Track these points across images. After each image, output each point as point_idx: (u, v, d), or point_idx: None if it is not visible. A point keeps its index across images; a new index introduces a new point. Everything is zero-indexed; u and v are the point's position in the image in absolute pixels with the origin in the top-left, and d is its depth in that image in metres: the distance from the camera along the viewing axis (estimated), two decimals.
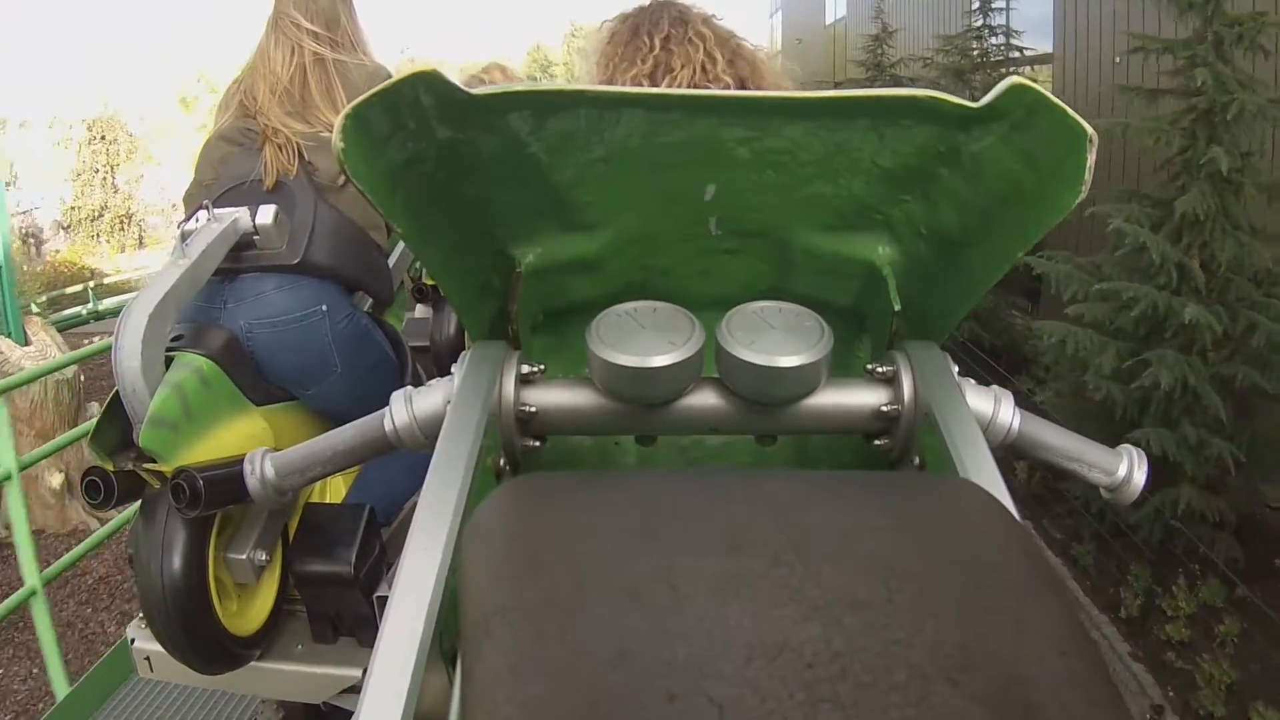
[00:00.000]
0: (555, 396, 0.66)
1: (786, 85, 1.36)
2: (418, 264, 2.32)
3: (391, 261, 2.13)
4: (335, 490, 1.84)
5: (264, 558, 1.57)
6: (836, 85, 10.68)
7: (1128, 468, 0.69)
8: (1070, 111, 0.56)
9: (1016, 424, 0.68)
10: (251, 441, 1.50)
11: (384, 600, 1.63)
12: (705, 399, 0.65)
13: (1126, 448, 0.71)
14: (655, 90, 0.62)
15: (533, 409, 0.66)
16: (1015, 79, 0.57)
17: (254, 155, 1.65)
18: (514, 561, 0.40)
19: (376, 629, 1.59)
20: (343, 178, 1.62)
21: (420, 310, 2.67)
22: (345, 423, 1.82)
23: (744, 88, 1.30)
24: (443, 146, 0.62)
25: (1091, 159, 0.56)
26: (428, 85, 0.57)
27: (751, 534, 0.41)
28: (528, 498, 0.46)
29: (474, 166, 0.64)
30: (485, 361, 0.66)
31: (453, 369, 0.67)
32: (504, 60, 3.04)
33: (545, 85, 0.65)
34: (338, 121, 0.54)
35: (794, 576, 0.38)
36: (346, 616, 1.65)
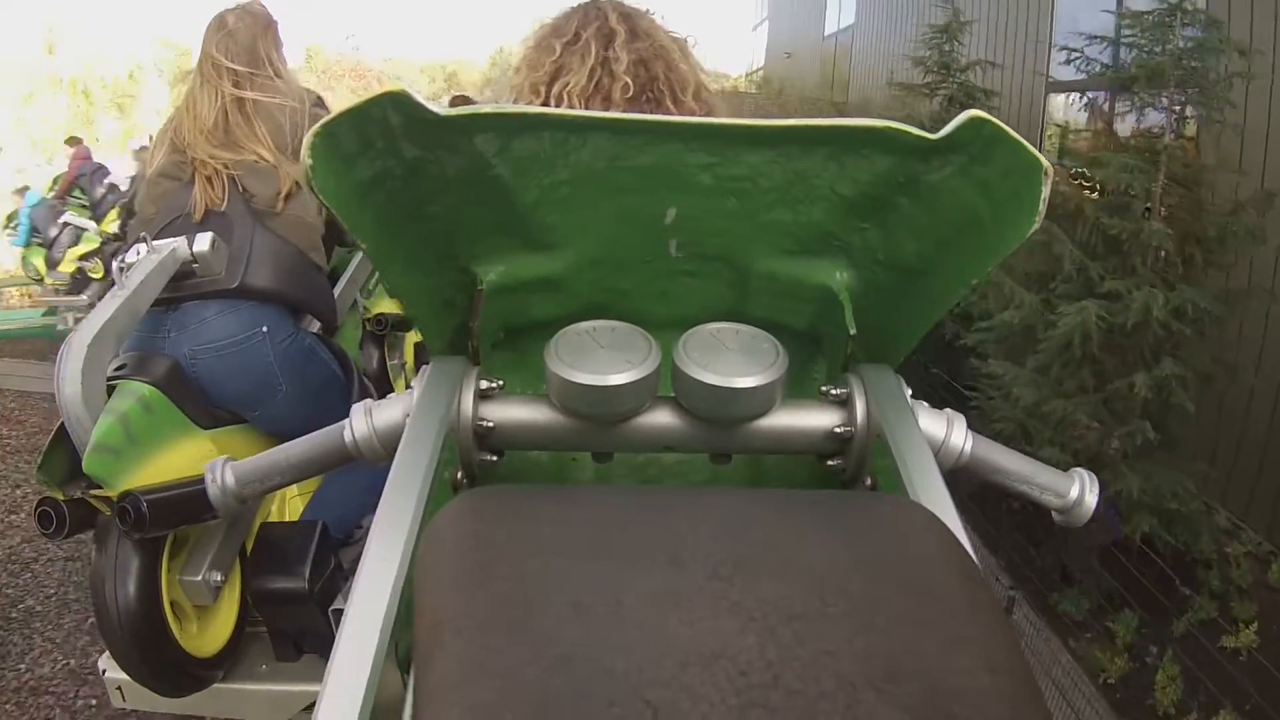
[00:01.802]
0: (513, 412, 0.67)
1: (704, 80, 1.37)
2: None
3: (340, 285, 2.16)
4: (293, 509, 1.86)
5: (219, 578, 1.59)
6: (838, 109, 9.34)
7: (1079, 490, 0.71)
8: (1026, 144, 0.57)
9: (969, 447, 0.69)
10: (198, 464, 1.50)
11: (339, 614, 1.64)
12: (661, 418, 0.66)
13: (1078, 470, 0.72)
14: (620, 115, 0.63)
15: (490, 424, 0.67)
16: (973, 111, 0.58)
17: (191, 188, 1.69)
18: (466, 572, 0.42)
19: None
20: (280, 202, 1.70)
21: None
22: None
23: (654, 85, 1.32)
24: (410, 165, 0.62)
25: (1046, 190, 0.57)
26: (396, 104, 0.57)
27: (694, 549, 0.42)
28: (482, 510, 0.47)
29: (440, 185, 0.65)
30: (445, 376, 0.67)
31: (413, 383, 0.68)
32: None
33: (511, 107, 0.66)
34: (306, 138, 0.55)
35: (732, 590, 0.39)
36: (308, 633, 1.68)
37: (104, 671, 1.65)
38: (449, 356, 0.72)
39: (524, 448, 0.71)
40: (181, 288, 1.60)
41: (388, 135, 0.59)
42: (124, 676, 1.53)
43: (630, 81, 1.29)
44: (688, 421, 0.66)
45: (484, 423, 0.66)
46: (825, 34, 13.15)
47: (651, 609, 0.38)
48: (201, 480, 1.57)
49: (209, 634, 1.62)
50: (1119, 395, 2.71)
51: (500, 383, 0.69)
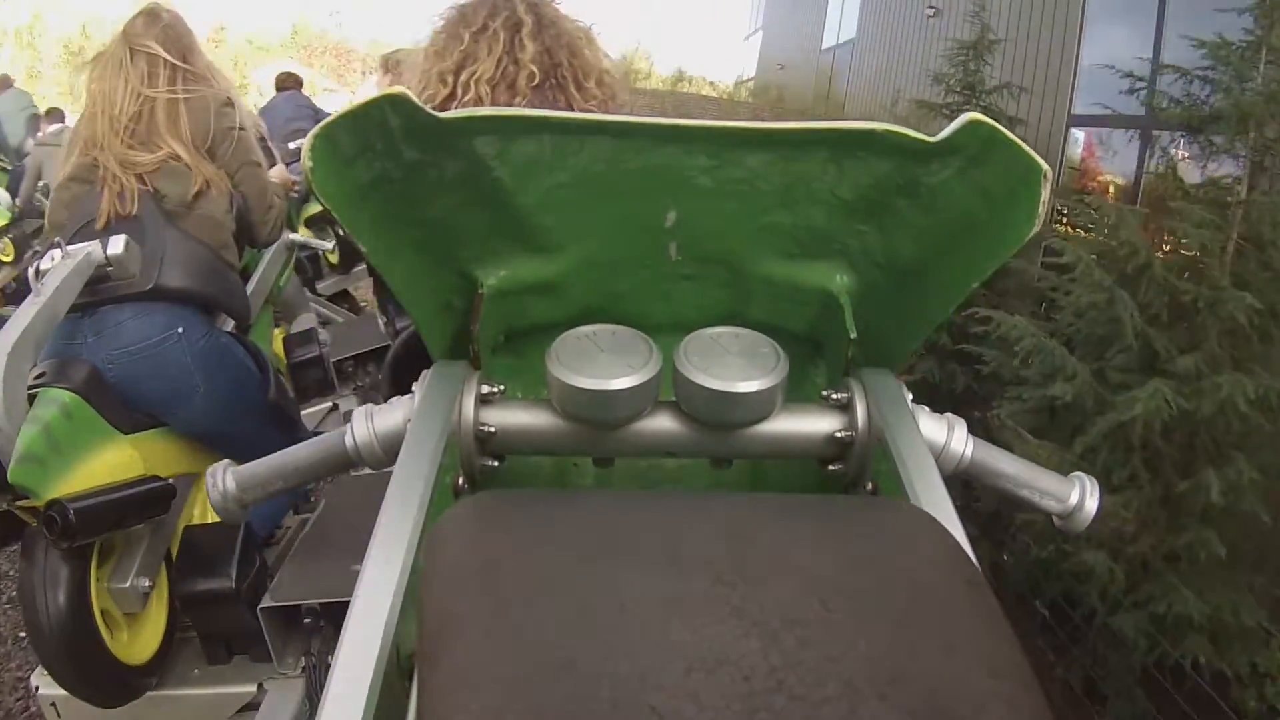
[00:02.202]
0: (514, 417, 0.67)
1: (607, 67, 1.43)
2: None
3: (252, 283, 2.18)
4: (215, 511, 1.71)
5: (147, 584, 1.60)
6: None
7: (1079, 495, 0.70)
8: (1025, 147, 0.57)
9: (969, 451, 0.69)
10: (121, 470, 1.56)
11: (267, 612, 1.63)
12: (662, 422, 0.66)
13: (1079, 475, 0.71)
14: (619, 118, 0.61)
15: (492, 429, 0.67)
16: (972, 114, 0.58)
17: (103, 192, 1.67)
18: (469, 577, 0.42)
19: (265, 643, 1.62)
20: (190, 199, 1.70)
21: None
22: (215, 443, 1.85)
23: (557, 72, 1.39)
24: (409, 167, 0.62)
25: (1046, 194, 0.57)
26: (395, 107, 0.57)
27: (696, 553, 0.43)
28: (484, 515, 0.48)
29: (439, 188, 0.65)
30: (446, 381, 0.67)
31: (414, 387, 0.68)
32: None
33: (511, 110, 0.64)
34: (306, 140, 0.55)
35: (735, 595, 0.40)
36: (237, 635, 1.69)
37: (36, 689, 1.62)
38: (450, 361, 0.72)
39: (525, 452, 0.70)
40: (97, 292, 1.59)
41: (387, 137, 0.59)
42: (59, 692, 1.53)
43: (535, 70, 1.36)
44: (689, 426, 0.66)
45: (485, 428, 0.66)
46: (823, 47, 12.71)
47: (654, 614, 0.38)
48: (128, 485, 1.57)
49: (140, 641, 1.62)
50: (1179, 495, 2.26)
51: (501, 387, 0.69)
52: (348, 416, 2.39)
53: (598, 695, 0.34)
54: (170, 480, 1.65)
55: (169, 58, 1.71)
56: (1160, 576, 2.26)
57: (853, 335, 0.71)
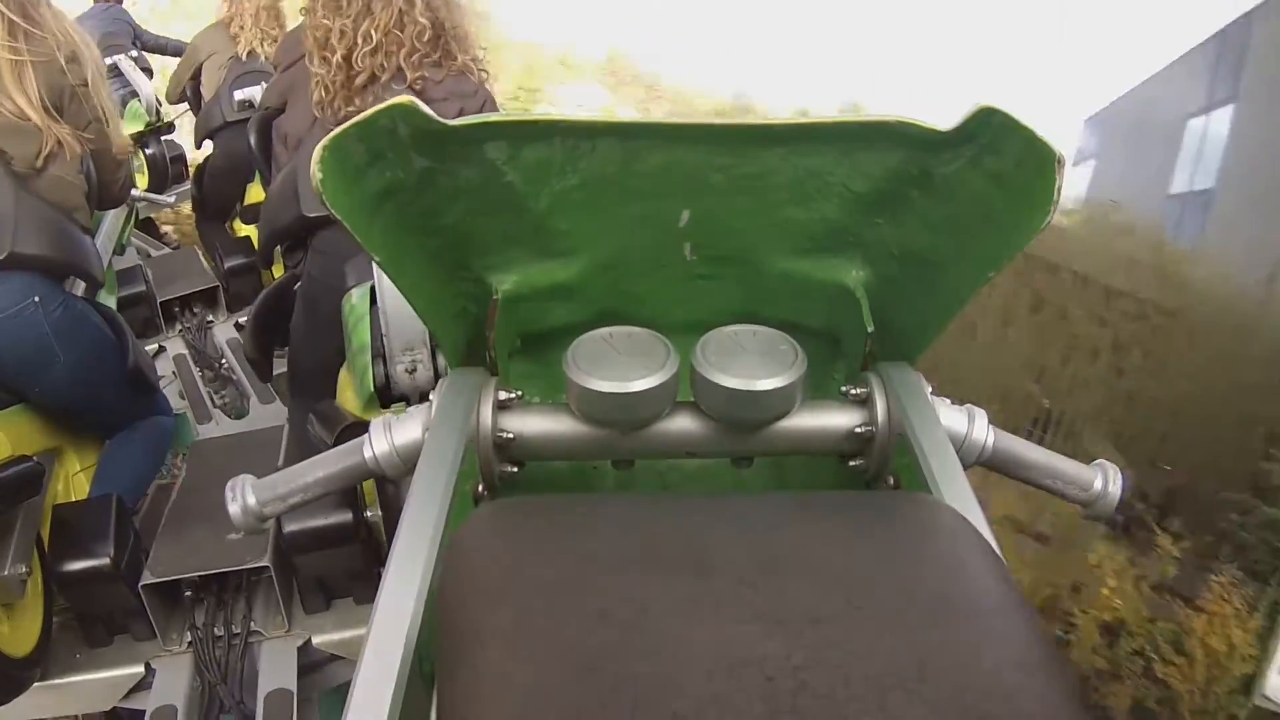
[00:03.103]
0: (533, 422, 0.68)
1: (473, 26, 1.70)
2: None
3: (98, 241, 2.08)
4: (79, 487, 1.83)
5: (24, 570, 1.54)
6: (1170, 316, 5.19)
7: (1103, 483, 0.70)
8: (1039, 133, 0.57)
9: (991, 441, 0.70)
10: None
11: (149, 589, 1.65)
12: (681, 423, 0.67)
13: (1101, 463, 0.72)
14: (629, 119, 0.62)
15: (510, 435, 0.67)
16: (984, 102, 0.57)
17: None
18: (490, 584, 0.42)
19: (146, 621, 1.63)
20: (40, 160, 1.62)
21: None
22: (77, 415, 1.86)
23: (442, 30, 1.69)
24: (420, 176, 0.63)
25: (1060, 181, 0.57)
26: (404, 116, 0.58)
27: (718, 555, 0.43)
28: (504, 522, 0.48)
29: (451, 195, 0.65)
30: (463, 388, 0.67)
31: (431, 395, 0.68)
32: None
33: (521, 115, 0.65)
34: (315, 152, 0.55)
35: (758, 595, 0.40)
36: (117, 614, 1.65)
37: None
38: (467, 368, 0.72)
39: (545, 458, 0.71)
40: None
41: (397, 147, 0.60)
42: None
43: (426, 24, 1.64)
44: (708, 425, 0.66)
45: (504, 434, 0.67)
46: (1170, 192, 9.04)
47: (677, 617, 0.38)
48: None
49: (21, 632, 1.56)
50: None
51: (519, 393, 0.69)
52: (177, 361, 2.35)
53: (620, 701, 0.34)
54: (37, 459, 1.56)
55: (8, 13, 1.59)
56: None
57: (870, 329, 0.71)
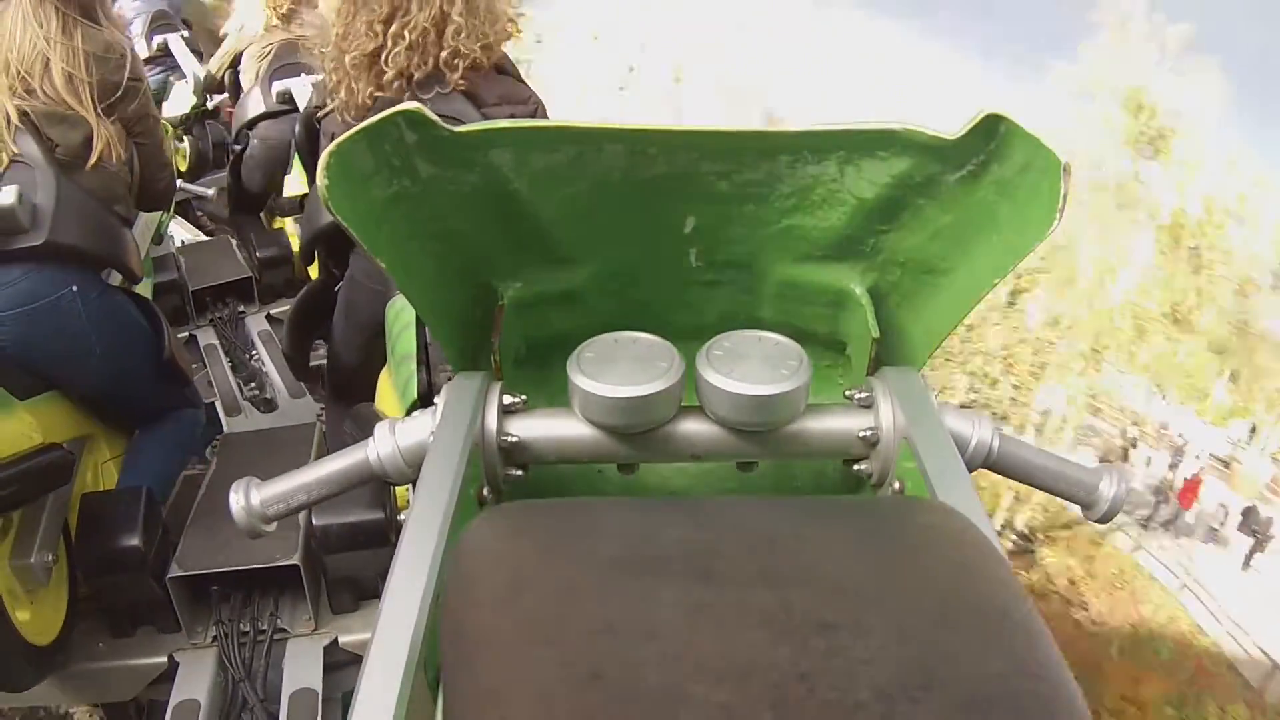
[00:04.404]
0: (538, 427, 0.67)
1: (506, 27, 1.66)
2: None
3: (137, 232, 2.07)
4: (108, 475, 1.82)
5: (50, 558, 1.55)
6: None
7: (1106, 486, 0.70)
8: (1044, 141, 0.57)
9: (996, 445, 0.69)
10: (20, 440, 1.49)
11: (176, 582, 1.64)
12: (686, 427, 0.66)
13: (1106, 466, 0.71)
14: (635, 126, 0.61)
15: (515, 439, 0.67)
16: (990, 109, 0.57)
17: None
18: (495, 589, 0.42)
19: (173, 613, 1.63)
20: (85, 151, 1.62)
21: None
22: (110, 404, 1.84)
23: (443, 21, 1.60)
24: (426, 183, 0.63)
25: (1065, 188, 0.57)
26: (410, 123, 0.58)
27: (725, 562, 0.42)
28: (509, 526, 0.48)
29: (457, 202, 0.65)
30: (468, 392, 0.67)
31: (436, 400, 0.68)
32: None
33: (526, 122, 0.66)
34: (321, 159, 0.54)
35: (765, 602, 0.39)
36: (142, 605, 1.65)
37: None
38: (472, 373, 0.71)
39: (550, 462, 0.71)
40: None
41: (403, 153, 0.60)
42: None
43: (461, 24, 1.58)
44: (713, 430, 0.66)
45: (509, 438, 0.67)
46: None
47: (683, 623, 0.38)
48: (29, 457, 1.50)
49: (44, 619, 1.57)
50: None
51: (524, 397, 0.69)
52: (207, 351, 2.34)
53: (626, 707, 0.34)
54: (68, 448, 1.55)
55: (65, 9, 1.60)
56: None
57: (875, 335, 0.71)
